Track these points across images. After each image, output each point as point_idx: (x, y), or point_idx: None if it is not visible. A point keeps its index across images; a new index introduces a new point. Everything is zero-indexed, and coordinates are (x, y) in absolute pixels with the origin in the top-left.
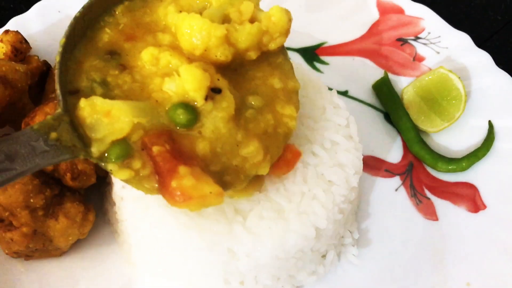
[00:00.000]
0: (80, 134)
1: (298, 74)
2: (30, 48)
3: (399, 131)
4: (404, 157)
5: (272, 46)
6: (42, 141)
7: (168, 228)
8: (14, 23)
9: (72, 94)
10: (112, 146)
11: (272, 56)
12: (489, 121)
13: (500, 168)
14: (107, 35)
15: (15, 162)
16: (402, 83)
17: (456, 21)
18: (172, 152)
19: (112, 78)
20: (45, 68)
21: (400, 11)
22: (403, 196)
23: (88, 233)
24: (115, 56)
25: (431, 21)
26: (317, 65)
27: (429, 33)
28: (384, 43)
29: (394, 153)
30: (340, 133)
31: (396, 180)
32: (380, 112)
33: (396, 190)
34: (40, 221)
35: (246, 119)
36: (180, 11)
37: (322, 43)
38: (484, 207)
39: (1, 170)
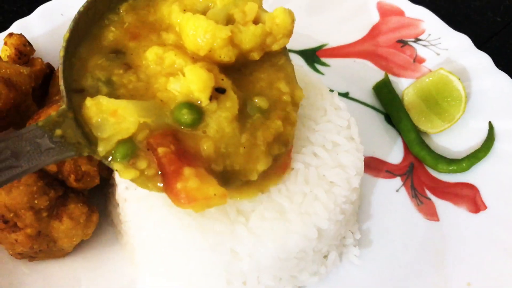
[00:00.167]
0: (84, 131)
1: (299, 76)
2: (34, 50)
3: (400, 132)
4: (405, 158)
5: (275, 47)
6: (47, 138)
7: (171, 229)
8: (17, 26)
9: (77, 92)
10: (118, 145)
11: (274, 57)
12: (489, 122)
13: (500, 169)
14: (112, 34)
15: (21, 160)
16: (403, 84)
17: (456, 22)
18: (177, 153)
19: (117, 77)
20: (49, 71)
21: (400, 13)
22: (404, 196)
23: (91, 234)
24: (120, 55)
25: (431, 23)
26: (318, 67)
27: (429, 34)
28: (385, 45)
29: (395, 154)
30: (341, 134)
31: (397, 181)
32: (381, 114)
33: (397, 191)
34: (44, 222)
35: (252, 123)
36: (184, 10)
37: (323, 45)
38: (485, 207)
39: (7, 167)
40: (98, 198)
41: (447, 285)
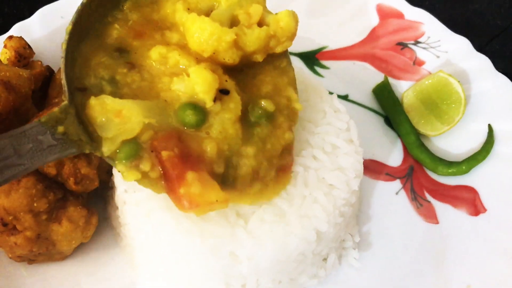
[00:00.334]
0: (86, 128)
1: (298, 78)
2: (34, 53)
3: (400, 134)
4: (404, 160)
5: (279, 49)
6: (50, 135)
7: (170, 232)
8: (17, 29)
9: (80, 91)
10: (123, 145)
11: (277, 59)
12: (489, 125)
13: (500, 171)
14: (116, 31)
15: (23, 157)
16: (402, 87)
17: (455, 25)
18: (180, 156)
19: (120, 77)
20: (48, 73)
21: (400, 15)
22: (403, 199)
23: (91, 236)
24: (124, 54)
25: (431, 25)
26: (318, 69)
27: (429, 37)
28: (384, 48)
29: (394, 156)
30: (341, 137)
31: (397, 184)
32: (381, 116)
33: (397, 193)
34: (44, 225)
35: (258, 134)
36: (188, 9)
37: (323, 48)
38: (484, 210)
39: (10, 165)
40: (97, 201)
41: (447, 287)
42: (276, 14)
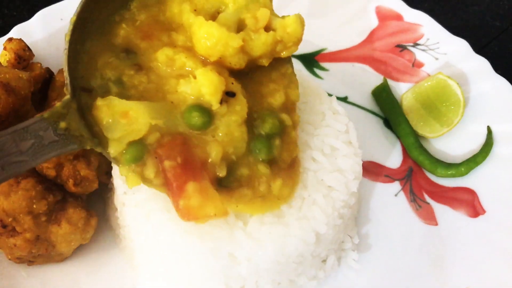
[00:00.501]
0: (87, 123)
1: (298, 80)
2: (33, 55)
3: (399, 136)
4: (403, 162)
5: (285, 54)
6: (52, 131)
7: (169, 233)
8: (17, 31)
9: (85, 91)
10: (129, 147)
11: (281, 65)
12: (488, 127)
13: (499, 173)
14: (123, 31)
15: (26, 153)
16: (401, 89)
17: (454, 27)
18: (183, 165)
19: (127, 78)
20: (48, 75)
21: (399, 17)
22: (402, 201)
23: (90, 238)
24: (131, 55)
25: (430, 27)
26: (317, 71)
27: (428, 39)
28: (384, 50)
29: (393, 158)
30: (340, 138)
31: (396, 185)
32: (380, 118)
33: (396, 195)
34: (43, 226)
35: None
36: (195, 10)
37: (322, 50)
38: (483, 211)
39: (13, 162)
40: (96, 202)
41: None
42: (283, 18)
